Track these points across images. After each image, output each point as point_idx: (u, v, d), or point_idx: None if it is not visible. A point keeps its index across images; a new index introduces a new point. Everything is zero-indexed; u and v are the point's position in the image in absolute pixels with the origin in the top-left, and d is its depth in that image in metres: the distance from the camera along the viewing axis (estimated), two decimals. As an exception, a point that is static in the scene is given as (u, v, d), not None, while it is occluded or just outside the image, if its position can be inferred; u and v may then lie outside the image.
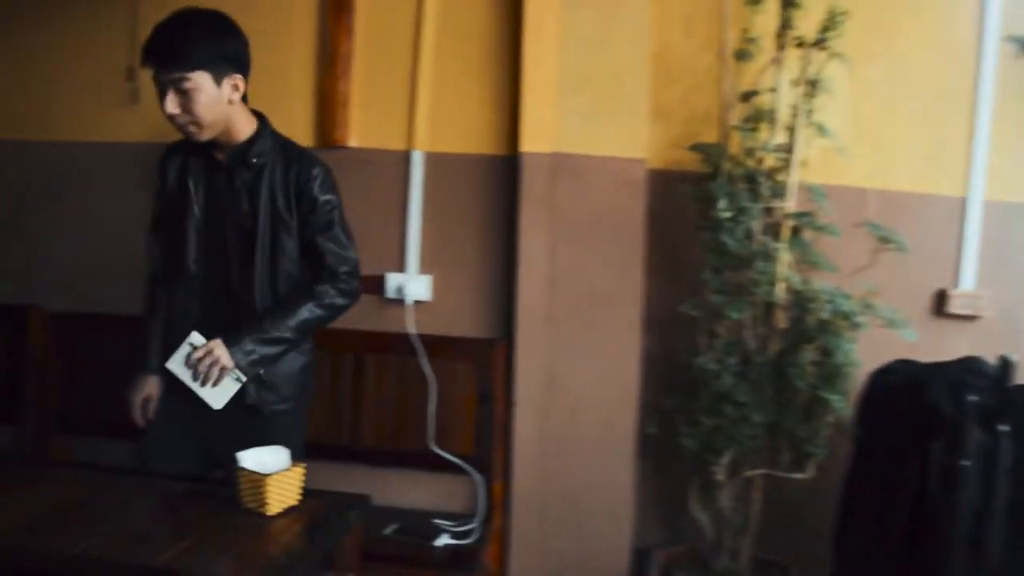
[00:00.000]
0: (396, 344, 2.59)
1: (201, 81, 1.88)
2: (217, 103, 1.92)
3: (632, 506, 2.51)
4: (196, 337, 1.93)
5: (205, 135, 1.96)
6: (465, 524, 2.42)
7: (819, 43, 2.20)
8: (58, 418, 2.90)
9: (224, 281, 2.04)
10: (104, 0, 2.81)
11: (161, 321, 2.14)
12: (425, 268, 2.61)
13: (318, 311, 2.00)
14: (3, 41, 2.96)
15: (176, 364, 1.94)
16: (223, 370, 1.91)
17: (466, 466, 2.50)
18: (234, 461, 1.77)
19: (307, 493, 1.86)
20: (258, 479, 1.74)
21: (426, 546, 2.31)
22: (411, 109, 2.56)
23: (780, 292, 2.24)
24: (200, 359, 1.90)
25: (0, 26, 2.96)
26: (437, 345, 2.56)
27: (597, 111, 2.44)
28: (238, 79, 1.96)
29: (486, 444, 2.52)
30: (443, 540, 2.32)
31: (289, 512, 1.78)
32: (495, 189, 2.53)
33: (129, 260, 2.52)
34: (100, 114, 2.87)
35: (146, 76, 2.67)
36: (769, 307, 2.27)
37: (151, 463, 2.07)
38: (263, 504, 1.74)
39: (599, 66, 2.44)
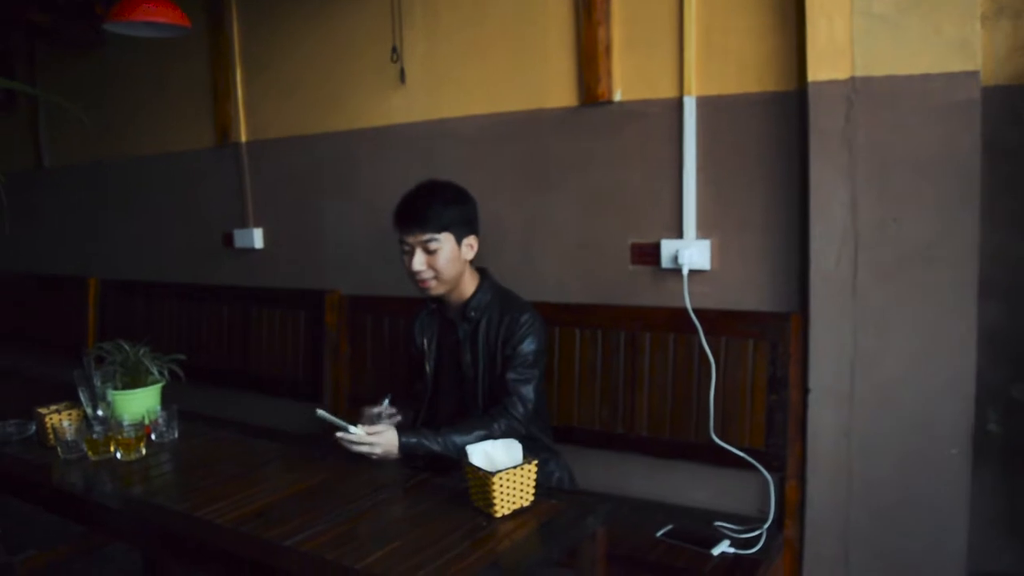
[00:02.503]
0: (673, 320, 2.35)
1: (446, 241, 2.21)
2: (457, 260, 2.24)
3: (965, 525, 2.01)
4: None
5: (441, 289, 2.26)
6: (750, 530, 2.12)
7: None
8: (350, 398, 3.09)
9: (451, 415, 2.32)
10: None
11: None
12: (703, 232, 2.33)
13: (481, 439, 2.02)
14: (280, 51, 3.20)
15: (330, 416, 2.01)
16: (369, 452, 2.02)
17: (753, 461, 2.19)
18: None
19: (547, 492, 1.75)
20: (483, 477, 1.62)
21: (702, 554, 2.05)
22: (679, 48, 2.29)
23: None
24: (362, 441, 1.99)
25: (275, 38, 3.21)
26: (718, 321, 2.28)
27: (909, 13, 1.95)
28: (473, 240, 2.28)
29: (777, 437, 2.19)
30: (722, 548, 2.04)
31: (519, 514, 1.64)
32: (781, 132, 2.18)
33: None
34: (370, 100, 2.97)
35: (409, 55, 2.80)
36: None
37: None
38: (489, 504, 1.62)
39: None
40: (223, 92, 3.37)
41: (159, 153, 3.74)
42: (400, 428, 2.04)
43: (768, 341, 2.21)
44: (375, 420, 2.16)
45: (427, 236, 2.18)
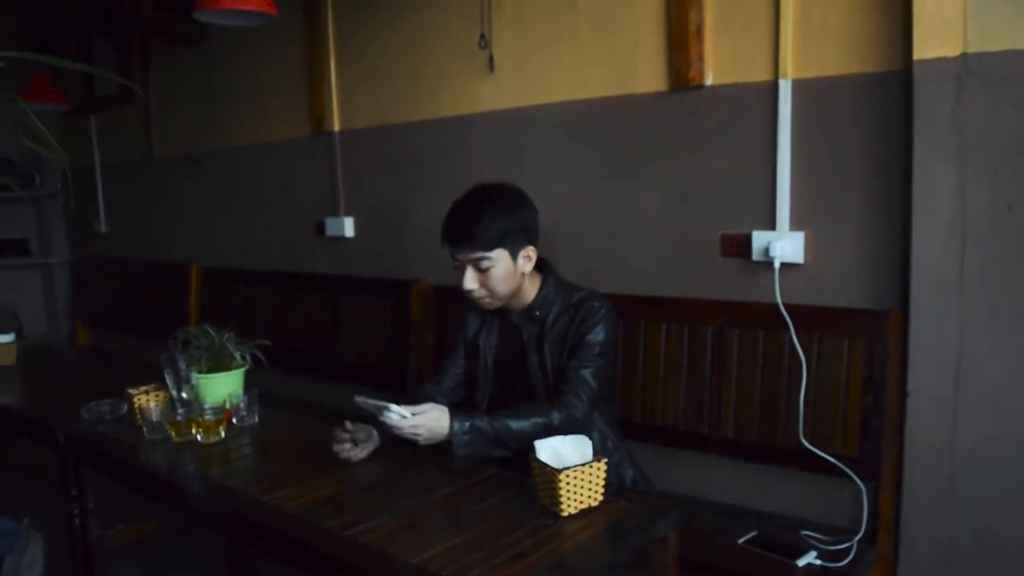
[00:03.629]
0: (763, 316, 2.21)
1: (500, 258, 2.04)
2: (513, 276, 2.08)
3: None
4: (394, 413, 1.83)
5: (497, 304, 2.13)
6: (840, 542, 1.97)
7: None
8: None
9: None
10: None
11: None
12: (797, 223, 2.19)
13: (538, 426, 1.92)
14: (372, 40, 3.20)
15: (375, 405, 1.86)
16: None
17: (845, 468, 2.04)
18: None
19: (618, 492, 1.69)
20: (550, 473, 1.56)
21: (787, 565, 1.91)
22: (775, 28, 2.15)
23: None
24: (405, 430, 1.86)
25: (367, 27, 3.20)
26: (811, 317, 2.14)
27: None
28: (531, 250, 2.11)
29: (872, 443, 2.03)
30: (808, 559, 1.90)
31: (586, 514, 1.57)
32: (883, 116, 2.01)
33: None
34: (459, 88, 2.93)
35: (498, 42, 2.74)
36: None
37: None
38: (556, 503, 1.56)
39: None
40: (317, 81, 3.39)
41: (257, 143, 3.81)
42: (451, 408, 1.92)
43: (864, 340, 2.05)
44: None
45: (478, 255, 2.03)
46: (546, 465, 1.56)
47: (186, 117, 4.23)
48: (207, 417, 2.20)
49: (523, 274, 2.10)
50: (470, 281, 2.06)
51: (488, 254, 2.02)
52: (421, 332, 3.05)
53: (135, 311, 4.62)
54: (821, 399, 2.11)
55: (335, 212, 3.43)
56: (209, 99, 4.04)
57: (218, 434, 2.19)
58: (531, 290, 2.15)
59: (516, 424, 1.90)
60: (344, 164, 3.38)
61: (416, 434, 1.84)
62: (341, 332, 3.36)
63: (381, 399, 1.86)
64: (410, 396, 2.32)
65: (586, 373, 2.03)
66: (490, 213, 2.03)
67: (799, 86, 2.14)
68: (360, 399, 1.87)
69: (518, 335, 2.18)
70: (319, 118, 3.41)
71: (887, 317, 2.02)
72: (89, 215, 5.05)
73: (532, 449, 1.63)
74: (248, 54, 3.77)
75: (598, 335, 2.07)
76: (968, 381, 1.89)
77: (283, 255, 3.75)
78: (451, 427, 1.84)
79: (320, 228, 3.51)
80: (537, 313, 2.13)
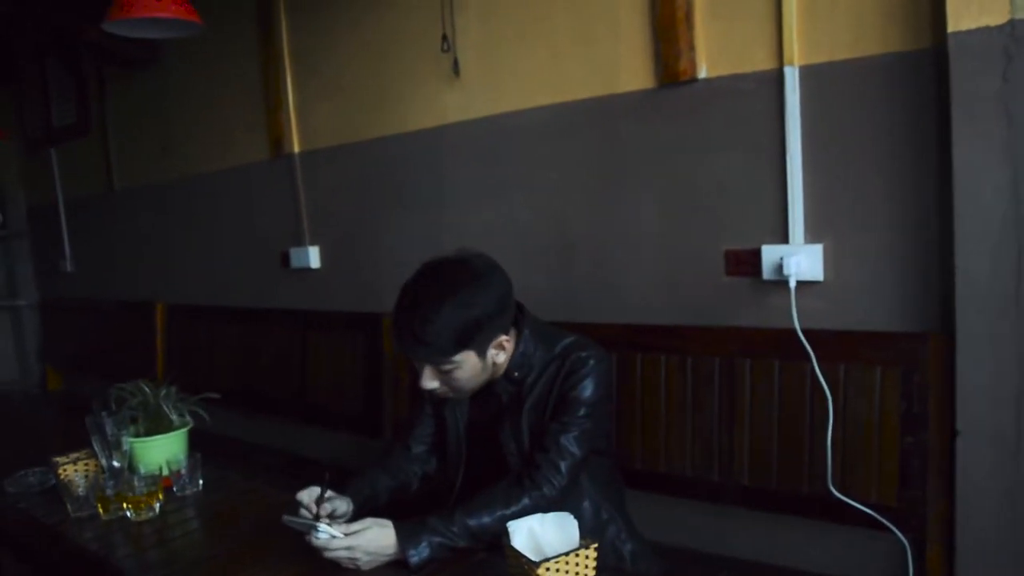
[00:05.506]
0: (778, 343, 1.88)
1: (464, 360, 1.66)
2: (482, 372, 1.71)
3: None
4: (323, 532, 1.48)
5: (464, 397, 1.79)
6: (884, 611, 1.65)
7: None
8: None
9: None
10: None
11: (385, 477, 1.88)
12: (814, 234, 1.86)
13: (504, 519, 1.49)
14: (328, 50, 2.90)
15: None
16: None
17: (883, 519, 1.71)
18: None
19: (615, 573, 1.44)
20: (527, 567, 1.22)
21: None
22: (776, 7, 1.82)
23: None
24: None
25: (322, 36, 2.91)
26: (835, 343, 1.81)
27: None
28: (504, 340, 1.72)
29: (915, 491, 1.70)
30: (848, 634, 1.59)
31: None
32: (912, 103, 1.69)
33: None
34: (422, 98, 2.61)
35: (463, 43, 2.40)
36: None
37: None
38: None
39: None
40: (274, 98, 3.08)
41: (216, 170, 3.49)
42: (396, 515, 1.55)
43: (900, 369, 1.72)
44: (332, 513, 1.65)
45: (434, 360, 1.64)
46: (522, 556, 1.23)
47: (143, 145, 3.92)
48: (137, 490, 1.87)
49: (494, 363, 1.72)
50: (428, 381, 1.68)
51: (451, 359, 1.63)
52: (396, 370, 2.71)
53: (104, 353, 4.29)
54: (851, 440, 1.77)
55: (299, 242, 3.10)
56: (165, 124, 3.73)
57: (151, 509, 1.85)
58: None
59: (476, 522, 1.55)
60: (306, 188, 3.06)
61: (352, 557, 1.48)
62: (309, 372, 3.04)
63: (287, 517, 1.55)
64: (386, 445, 1.99)
65: (568, 439, 1.67)
66: (446, 311, 1.60)
67: (808, 73, 1.81)
68: (286, 518, 1.55)
69: (495, 397, 1.80)
70: (277, 139, 3.09)
71: (926, 341, 1.69)
72: (55, 254, 4.74)
73: (505, 533, 1.30)
74: (201, 73, 3.47)
75: (585, 391, 1.69)
76: (1031, 417, 1.55)
77: (248, 289, 3.43)
78: (400, 548, 1.47)
79: (285, 259, 3.18)
80: (516, 374, 1.75)
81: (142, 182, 3.99)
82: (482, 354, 1.67)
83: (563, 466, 1.65)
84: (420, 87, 2.60)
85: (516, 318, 1.79)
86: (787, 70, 1.83)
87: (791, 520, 1.88)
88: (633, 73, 2.10)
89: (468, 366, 1.66)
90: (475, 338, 1.64)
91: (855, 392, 1.77)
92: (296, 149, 3.06)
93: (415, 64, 2.60)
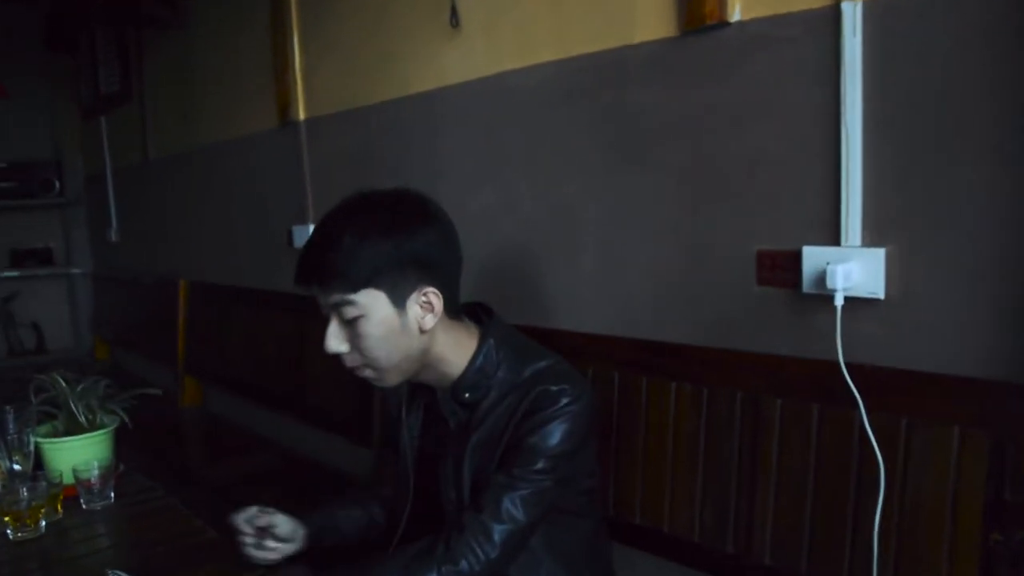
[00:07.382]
0: (819, 381, 1.37)
1: (371, 304, 1.25)
2: (398, 333, 1.28)
3: None
4: None
5: (390, 380, 1.34)
6: None
7: None
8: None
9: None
10: None
11: (355, 508, 1.58)
12: (874, 235, 1.32)
13: None
14: (333, 7, 2.52)
15: None
16: None
17: (953, 646, 1.19)
18: None
19: None
20: None
21: None
22: (833, -82, 1.31)
23: None
24: None
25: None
26: (894, 388, 1.28)
27: None
28: (430, 293, 1.29)
29: (1000, 606, 1.17)
30: None
31: None
32: (1020, 54, 1.16)
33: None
34: (422, 57, 2.17)
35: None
36: None
37: None
38: None
39: None
40: (282, 63, 2.71)
41: (228, 139, 3.18)
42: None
43: (988, 431, 1.18)
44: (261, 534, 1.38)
45: (335, 298, 1.25)
46: None
47: (170, 113, 3.66)
48: (20, 503, 1.53)
49: (421, 331, 1.29)
50: (333, 339, 1.27)
51: (349, 296, 1.23)
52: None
53: (140, 328, 4.11)
54: (909, 526, 1.24)
55: (303, 219, 2.72)
56: (188, 90, 3.44)
57: (34, 529, 1.52)
58: (458, 357, 1.34)
59: None
60: (311, 160, 2.68)
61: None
62: (306, 364, 2.66)
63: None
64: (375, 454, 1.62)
65: (513, 500, 1.24)
66: (357, 235, 1.23)
67: (876, 8, 1.27)
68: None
69: (444, 424, 1.39)
70: (284, 106, 2.72)
71: (1028, 394, 1.16)
72: (104, 224, 4.58)
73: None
74: (216, 36, 3.17)
75: (548, 439, 1.26)
76: None
77: (258, 268, 3.09)
78: None
79: (290, 238, 2.81)
80: (466, 395, 1.34)
81: (169, 152, 3.73)
82: (398, 302, 1.26)
83: (497, 534, 1.23)
84: (420, 46, 2.16)
85: (478, 315, 1.41)
86: (845, 6, 1.29)
87: (825, 620, 1.37)
88: (649, 19, 1.58)
89: (377, 315, 1.25)
90: (388, 276, 1.24)
91: (919, 459, 1.24)
92: (302, 116, 2.67)
93: (413, 17, 2.17)
